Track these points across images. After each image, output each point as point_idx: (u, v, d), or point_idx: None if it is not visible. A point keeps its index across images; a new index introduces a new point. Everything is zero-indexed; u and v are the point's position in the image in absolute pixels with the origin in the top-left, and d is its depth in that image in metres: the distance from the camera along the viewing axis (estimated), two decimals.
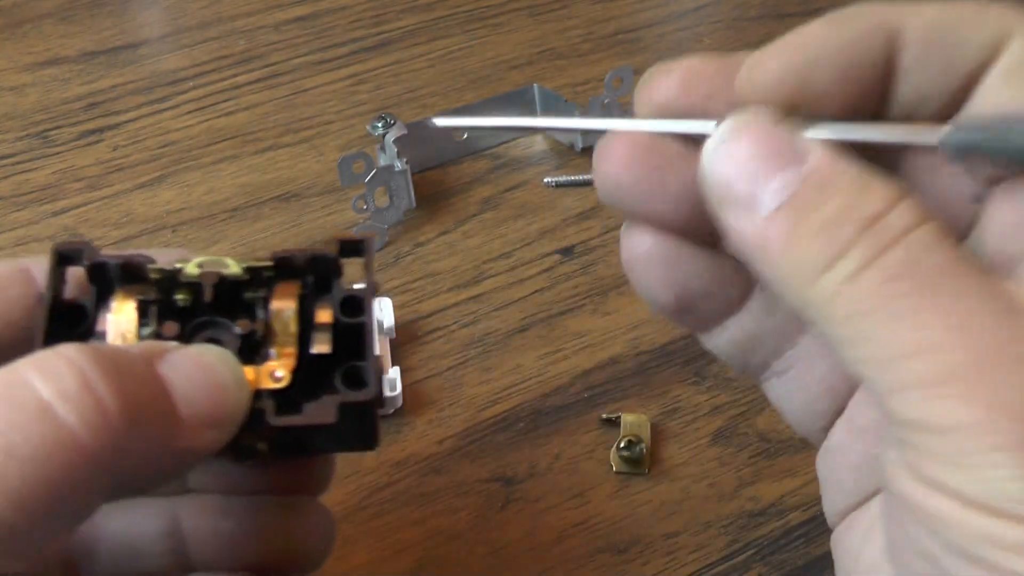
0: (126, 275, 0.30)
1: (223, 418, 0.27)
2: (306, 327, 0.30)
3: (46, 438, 0.22)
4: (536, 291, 0.59)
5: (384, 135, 0.63)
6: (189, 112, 0.71)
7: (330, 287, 0.31)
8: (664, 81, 0.29)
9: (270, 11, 0.80)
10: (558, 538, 0.48)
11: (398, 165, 0.60)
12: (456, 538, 0.47)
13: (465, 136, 0.67)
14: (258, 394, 0.28)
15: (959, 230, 0.27)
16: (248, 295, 0.30)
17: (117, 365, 0.24)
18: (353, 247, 0.31)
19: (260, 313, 0.30)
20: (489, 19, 0.79)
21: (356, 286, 0.31)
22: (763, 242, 0.25)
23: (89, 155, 0.67)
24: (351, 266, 0.31)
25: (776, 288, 0.25)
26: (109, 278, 0.30)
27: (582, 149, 0.65)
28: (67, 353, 0.24)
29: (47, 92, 0.72)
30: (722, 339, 0.31)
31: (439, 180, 0.66)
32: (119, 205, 0.64)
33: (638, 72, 0.72)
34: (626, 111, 0.65)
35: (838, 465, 0.30)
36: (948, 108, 0.26)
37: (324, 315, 0.30)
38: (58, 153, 0.67)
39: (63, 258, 0.30)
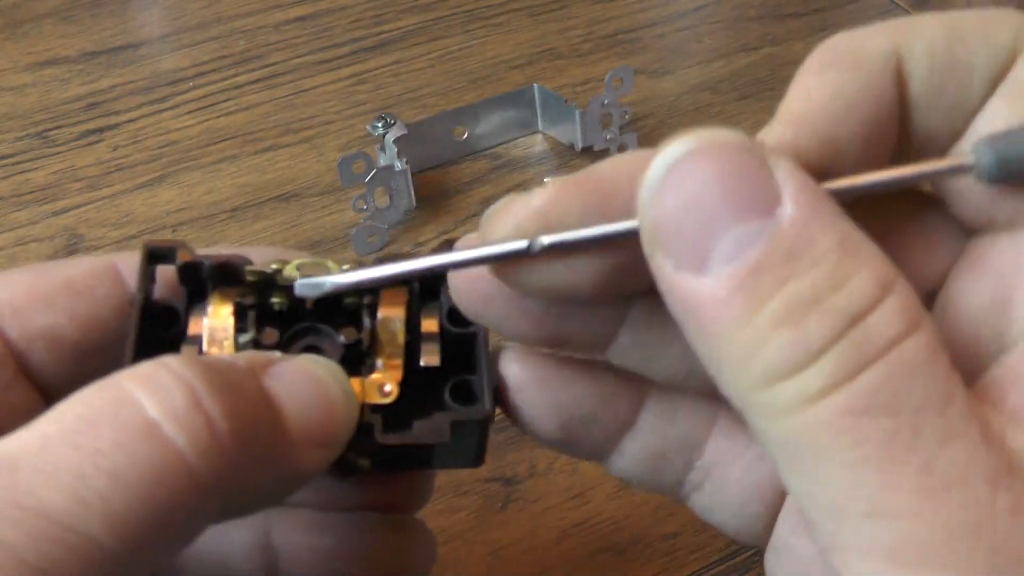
0: (221, 276, 0.28)
1: (332, 436, 0.24)
2: (413, 337, 0.28)
3: (153, 460, 0.20)
4: None
5: (384, 135, 0.63)
6: (189, 112, 0.71)
7: (437, 293, 0.29)
8: (520, 209, 0.22)
9: (270, 11, 0.80)
10: (558, 538, 0.48)
11: (398, 165, 0.60)
12: (456, 538, 0.47)
13: (466, 136, 0.67)
14: (363, 409, 0.26)
15: (923, 290, 0.23)
16: (349, 301, 0.28)
17: (227, 381, 0.22)
18: None
19: (366, 321, 0.28)
20: (489, 19, 0.79)
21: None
22: (704, 311, 0.19)
23: (89, 155, 0.67)
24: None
25: (710, 370, 0.20)
26: (202, 279, 0.28)
27: (582, 149, 0.65)
28: (175, 367, 0.22)
29: (47, 92, 0.72)
30: (623, 463, 0.28)
31: (439, 180, 0.66)
32: (119, 205, 0.64)
33: (639, 72, 0.72)
34: (626, 112, 0.66)
35: (785, 566, 0.26)
36: (958, 137, 0.23)
37: (430, 324, 0.28)
38: (58, 153, 0.67)
39: (154, 256, 0.28)
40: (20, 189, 0.65)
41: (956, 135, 0.23)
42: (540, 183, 0.70)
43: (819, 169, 0.21)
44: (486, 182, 0.66)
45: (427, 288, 0.29)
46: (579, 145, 0.66)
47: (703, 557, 0.47)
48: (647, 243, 0.20)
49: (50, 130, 0.69)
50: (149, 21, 0.80)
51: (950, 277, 0.24)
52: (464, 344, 0.28)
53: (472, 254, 0.23)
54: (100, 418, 0.21)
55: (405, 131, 0.63)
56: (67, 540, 0.19)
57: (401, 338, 0.28)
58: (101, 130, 0.69)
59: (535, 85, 0.68)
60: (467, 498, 0.49)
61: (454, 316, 0.28)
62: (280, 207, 0.64)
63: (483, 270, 0.24)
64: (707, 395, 0.27)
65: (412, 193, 0.61)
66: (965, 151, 0.22)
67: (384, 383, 0.27)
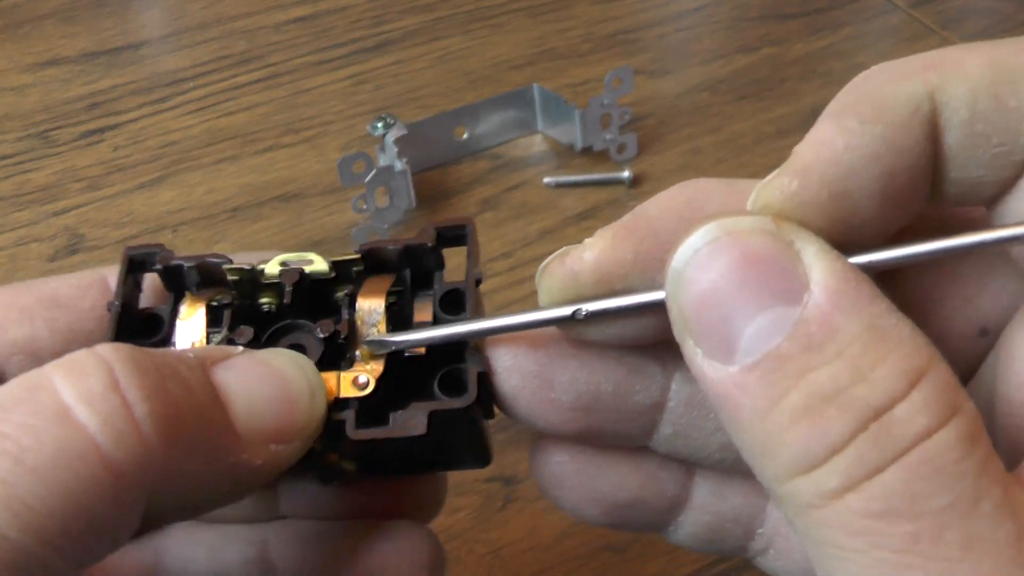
0: (203, 278, 0.27)
1: (290, 432, 0.23)
2: (403, 327, 0.27)
3: (62, 445, 0.19)
4: (536, 291, 0.59)
5: (384, 135, 0.63)
6: (190, 112, 0.71)
7: (431, 281, 0.27)
8: (573, 263, 0.23)
9: (270, 11, 0.80)
10: (558, 538, 0.48)
11: (398, 165, 0.60)
12: (456, 538, 0.47)
13: (466, 136, 0.67)
14: (342, 404, 0.25)
15: (961, 365, 0.21)
16: (338, 294, 0.27)
17: (158, 367, 0.21)
18: (453, 234, 0.27)
19: (345, 312, 0.26)
20: (489, 19, 0.79)
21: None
22: (730, 401, 0.19)
23: (90, 155, 0.67)
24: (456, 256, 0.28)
25: (744, 457, 0.20)
26: (186, 283, 0.27)
27: (582, 149, 0.66)
28: (100, 352, 0.21)
29: (48, 92, 0.72)
30: (679, 536, 0.27)
31: (439, 180, 0.66)
32: (120, 205, 0.64)
33: (638, 72, 0.72)
34: (625, 112, 0.66)
35: None
36: (1006, 189, 0.21)
37: (423, 313, 0.27)
38: (59, 153, 0.68)
39: (134, 263, 0.27)
40: (21, 189, 0.65)
41: (1003, 187, 0.21)
42: (540, 183, 0.70)
43: (828, 225, 0.20)
44: (486, 182, 0.66)
45: (420, 275, 0.28)
46: (579, 145, 0.66)
47: (703, 556, 0.47)
48: (677, 330, 0.20)
49: (51, 130, 0.69)
50: (150, 21, 0.80)
51: (1013, 323, 0.22)
52: None
53: (523, 319, 0.24)
54: (13, 402, 0.20)
55: (405, 131, 0.63)
56: None
57: (382, 328, 0.26)
58: (102, 130, 0.69)
59: (535, 85, 0.68)
60: (467, 498, 0.49)
61: (446, 303, 0.27)
62: (280, 207, 0.64)
63: (514, 362, 0.24)
64: None
65: (412, 193, 0.61)
66: (1018, 211, 0.20)
67: (360, 375, 0.25)
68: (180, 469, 0.21)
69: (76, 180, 0.65)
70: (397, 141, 0.62)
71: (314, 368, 0.25)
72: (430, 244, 0.27)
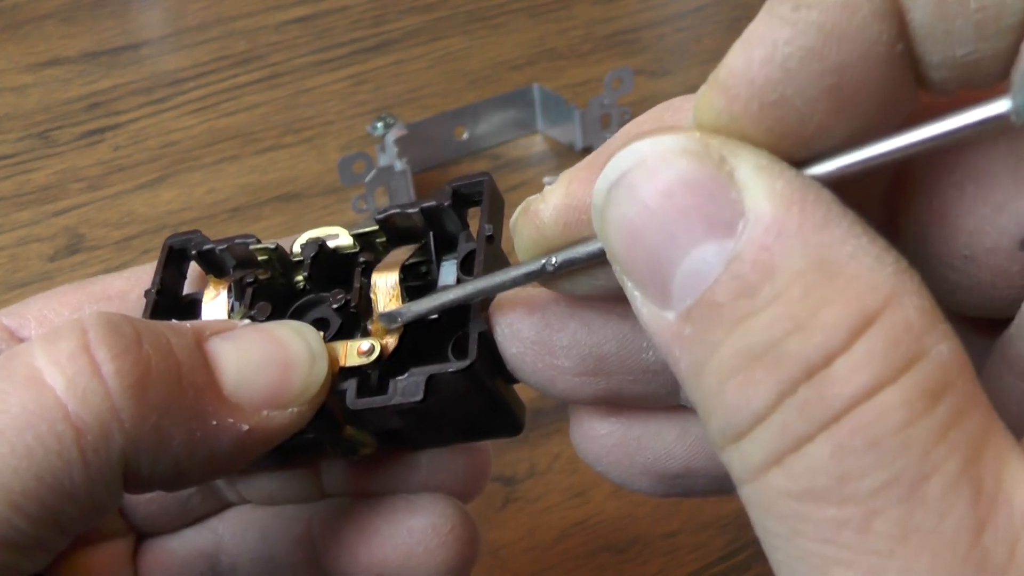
0: (238, 260, 0.27)
1: (285, 397, 0.23)
2: (419, 293, 0.26)
3: (26, 406, 0.19)
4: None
5: (384, 135, 0.64)
6: (190, 112, 0.71)
7: (455, 243, 0.27)
8: (532, 219, 0.21)
9: (270, 11, 0.80)
10: (558, 538, 0.48)
11: (398, 165, 0.60)
12: None
13: (466, 136, 0.67)
14: (351, 373, 0.24)
15: (1001, 286, 0.18)
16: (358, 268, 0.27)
17: (137, 330, 0.21)
18: (470, 191, 0.26)
19: (356, 282, 0.26)
20: (489, 19, 0.79)
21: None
22: (671, 354, 0.16)
23: (90, 155, 0.67)
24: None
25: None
26: (225, 266, 0.28)
27: (581, 149, 0.66)
28: (83, 319, 0.21)
29: (48, 92, 0.72)
30: None
31: (439, 180, 0.66)
32: (120, 205, 0.64)
33: (638, 72, 0.72)
34: (625, 112, 0.66)
35: None
36: (1006, 58, 0.16)
37: (450, 277, 0.26)
38: (59, 153, 0.68)
39: (174, 252, 0.28)
40: (22, 189, 0.65)
41: (1004, 60, 0.16)
42: (540, 183, 0.70)
43: (772, 139, 0.16)
44: None
45: (444, 237, 0.27)
46: (579, 145, 0.66)
47: (703, 556, 0.47)
48: (616, 272, 0.17)
49: (51, 130, 0.69)
50: (150, 22, 0.80)
51: None
52: None
53: (497, 280, 0.22)
54: None
55: (405, 131, 0.63)
56: None
57: (398, 303, 0.25)
58: (102, 130, 0.69)
59: (535, 85, 0.68)
60: None
61: (467, 265, 0.26)
62: (281, 207, 0.64)
63: (510, 330, 0.23)
64: None
65: (412, 193, 0.61)
66: (1015, 82, 0.15)
67: (363, 343, 0.25)
68: (157, 429, 0.21)
69: (76, 180, 0.66)
70: (397, 141, 0.62)
71: (317, 336, 0.24)
72: (446, 203, 0.26)
